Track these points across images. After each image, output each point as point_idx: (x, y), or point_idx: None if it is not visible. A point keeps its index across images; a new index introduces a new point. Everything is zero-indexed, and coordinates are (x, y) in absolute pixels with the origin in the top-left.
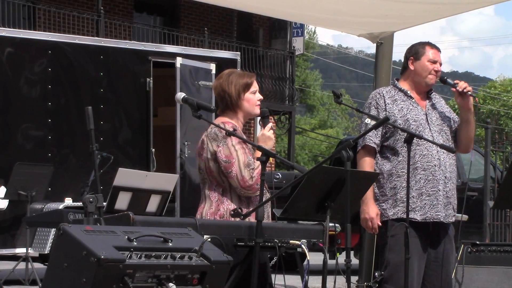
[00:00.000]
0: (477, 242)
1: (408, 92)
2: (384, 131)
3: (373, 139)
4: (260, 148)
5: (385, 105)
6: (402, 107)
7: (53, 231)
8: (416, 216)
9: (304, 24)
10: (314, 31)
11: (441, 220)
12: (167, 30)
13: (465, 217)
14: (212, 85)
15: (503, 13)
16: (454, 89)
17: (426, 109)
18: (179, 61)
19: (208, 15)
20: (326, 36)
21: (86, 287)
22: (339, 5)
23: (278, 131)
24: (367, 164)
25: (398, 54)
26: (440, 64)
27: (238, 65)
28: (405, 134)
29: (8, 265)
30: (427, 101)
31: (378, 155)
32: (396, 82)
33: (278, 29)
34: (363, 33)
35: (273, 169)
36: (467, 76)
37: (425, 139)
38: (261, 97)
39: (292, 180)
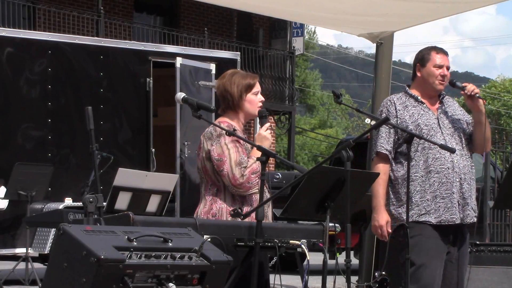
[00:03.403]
0: (477, 242)
1: (419, 97)
2: (396, 137)
3: (384, 145)
4: (260, 148)
5: (396, 111)
6: (413, 112)
7: (53, 231)
8: (431, 219)
9: (304, 23)
10: (314, 31)
11: (458, 222)
12: (167, 30)
13: None
14: (215, 85)
15: (505, 12)
16: (463, 92)
17: (437, 113)
18: (179, 61)
19: (208, 15)
20: (326, 36)
21: (86, 287)
22: (339, 4)
23: (278, 131)
24: (380, 170)
25: (398, 54)
26: (448, 68)
27: (238, 65)
28: (416, 140)
29: (8, 265)
30: (439, 105)
31: (393, 162)
32: (407, 88)
33: (278, 29)
34: (363, 33)
35: (273, 169)
36: (467, 76)
37: (425, 139)
38: (263, 98)
39: (292, 180)
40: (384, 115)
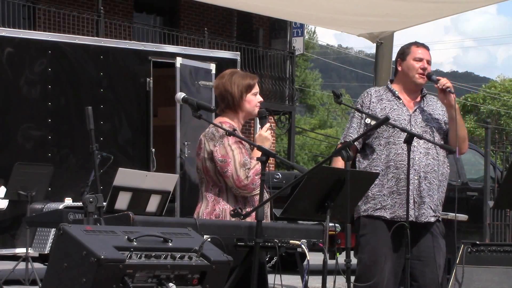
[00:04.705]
0: (477, 242)
1: (397, 92)
2: (365, 129)
3: (353, 135)
4: (260, 148)
5: (370, 103)
6: (385, 106)
7: (53, 231)
8: (386, 214)
9: (304, 23)
10: (314, 31)
11: (412, 219)
12: (167, 30)
13: (465, 217)
14: (214, 84)
15: (506, 12)
16: (436, 86)
17: (413, 110)
18: (179, 61)
19: (208, 15)
20: (326, 35)
21: (86, 287)
22: (339, 4)
23: (278, 131)
24: (340, 159)
25: None
26: (428, 62)
27: (238, 65)
28: (383, 134)
29: (8, 265)
30: (419, 103)
31: (359, 154)
32: (389, 83)
33: (278, 29)
34: (363, 33)
35: (273, 169)
36: (467, 76)
37: (426, 139)
38: (261, 99)
39: (292, 180)
40: (358, 105)
